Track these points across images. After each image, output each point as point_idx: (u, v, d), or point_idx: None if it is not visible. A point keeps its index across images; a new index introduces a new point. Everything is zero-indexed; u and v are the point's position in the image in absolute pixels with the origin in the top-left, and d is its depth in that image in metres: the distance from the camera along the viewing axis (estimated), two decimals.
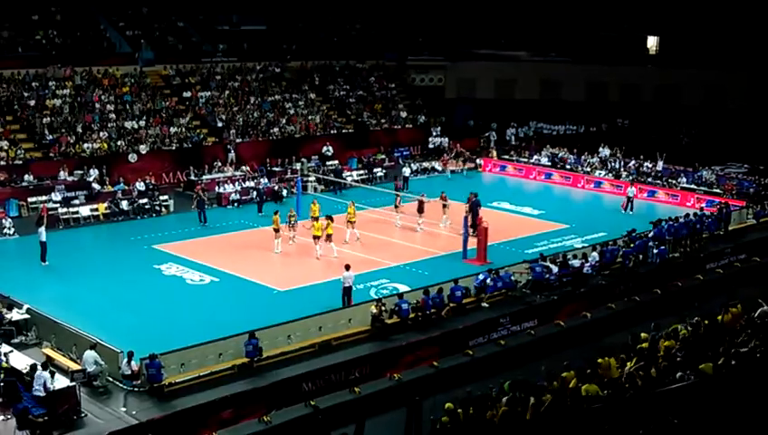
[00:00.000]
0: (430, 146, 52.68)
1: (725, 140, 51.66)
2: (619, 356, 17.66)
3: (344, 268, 26.08)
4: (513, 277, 26.97)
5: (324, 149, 47.37)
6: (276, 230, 32.14)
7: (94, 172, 39.61)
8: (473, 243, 31.62)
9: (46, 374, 19.06)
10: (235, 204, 39.71)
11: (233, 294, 27.77)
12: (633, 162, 45.95)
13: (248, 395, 20.06)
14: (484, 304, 25.95)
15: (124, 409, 19.35)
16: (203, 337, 21.58)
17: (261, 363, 21.47)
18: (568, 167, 47.40)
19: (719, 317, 19.35)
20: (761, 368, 15.22)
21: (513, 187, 46.12)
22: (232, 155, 44.34)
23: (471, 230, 32.25)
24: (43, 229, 30.70)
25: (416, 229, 35.62)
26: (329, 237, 31.25)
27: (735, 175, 44.93)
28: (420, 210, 35.57)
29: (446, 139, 52.85)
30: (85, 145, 41.01)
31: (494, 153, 50.75)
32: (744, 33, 52.81)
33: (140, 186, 39.05)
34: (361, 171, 46.52)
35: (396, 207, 36.84)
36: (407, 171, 44.81)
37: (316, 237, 31.20)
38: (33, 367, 19.48)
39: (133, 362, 20.24)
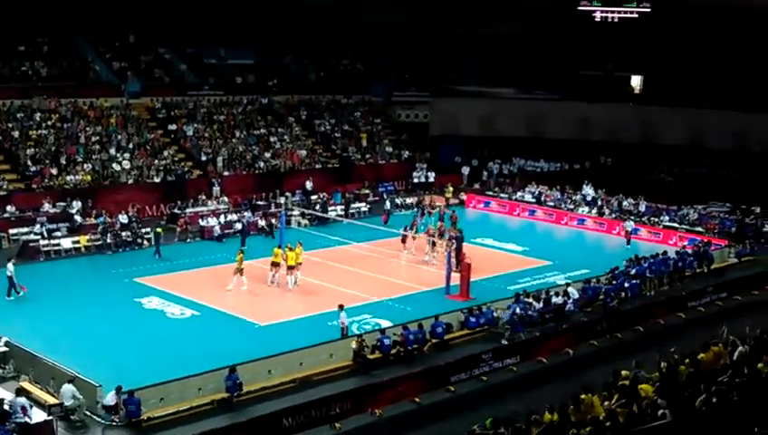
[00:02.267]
0: (415, 181, 52.84)
1: (708, 178, 52.03)
2: (600, 393, 17.63)
3: (338, 308, 26.11)
4: (495, 314, 26.99)
5: (308, 184, 47.39)
6: (276, 264, 32.04)
7: (77, 204, 39.42)
8: (456, 279, 31.65)
9: (22, 400, 18.95)
10: (219, 238, 39.54)
11: (214, 329, 27.58)
12: (615, 199, 46.24)
13: (228, 431, 19.85)
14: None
15: None
16: (183, 371, 21.44)
17: (241, 399, 21.32)
18: (551, 204, 47.59)
19: (699, 356, 19.38)
20: (740, 407, 15.24)
21: (497, 223, 46.25)
22: (217, 188, 44.27)
23: (454, 265, 32.30)
24: (10, 265, 30.04)
25: (426, 261, 36.29)
26: (240, 271, 31.43)
27: (717, 214, 45.20)
28: (433, 244, 36.29)
29: (433, 173, 53.00)
30: (68, 177, 40.89)
31: (450, 190, 50.09)
32: (726, 73, 53.43)
33: (123, 218, 38.76)
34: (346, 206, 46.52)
35: (403, 241, 37.24)
36: (387, 205, 44.93)
37: (290, 268, 31.54)
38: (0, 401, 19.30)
39: (117, 395, 20.07)
